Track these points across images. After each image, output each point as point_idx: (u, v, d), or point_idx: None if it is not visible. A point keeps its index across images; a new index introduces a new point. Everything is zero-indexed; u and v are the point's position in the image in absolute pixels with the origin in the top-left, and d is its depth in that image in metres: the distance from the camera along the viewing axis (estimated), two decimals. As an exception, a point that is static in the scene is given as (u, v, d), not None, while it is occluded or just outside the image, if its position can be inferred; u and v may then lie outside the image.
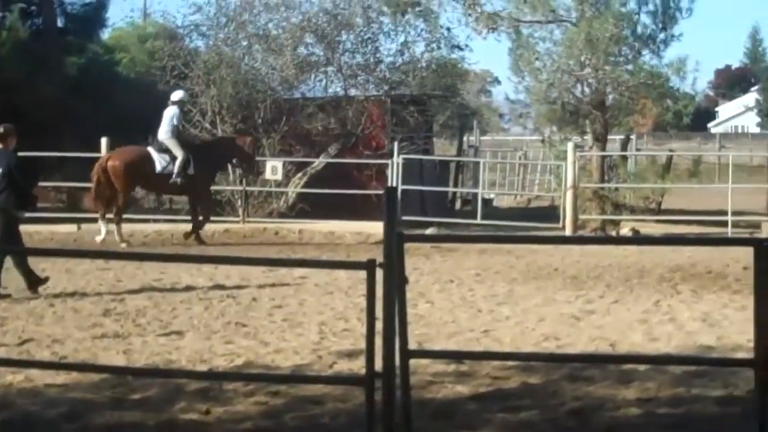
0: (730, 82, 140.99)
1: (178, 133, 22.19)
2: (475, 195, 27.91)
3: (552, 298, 14.86)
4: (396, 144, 25.73)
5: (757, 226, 24.45)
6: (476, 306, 14.22)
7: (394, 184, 24.50)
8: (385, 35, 28.75)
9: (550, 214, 26.07)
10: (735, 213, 24.57)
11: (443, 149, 37.47)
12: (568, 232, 24.07)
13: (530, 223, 24.98)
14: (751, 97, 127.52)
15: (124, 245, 21.07)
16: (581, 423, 8.60)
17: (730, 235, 23.14)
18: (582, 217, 24.72)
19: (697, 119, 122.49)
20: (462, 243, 19.92)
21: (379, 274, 6.77)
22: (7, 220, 14.81)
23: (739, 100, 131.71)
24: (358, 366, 7.18)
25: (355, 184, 25.56)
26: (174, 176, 21.77)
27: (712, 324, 12.74)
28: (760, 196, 27.77)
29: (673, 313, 13.55)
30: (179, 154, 21.79)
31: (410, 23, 28.38)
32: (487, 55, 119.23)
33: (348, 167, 26.19)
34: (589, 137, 26.58)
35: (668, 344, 11.62)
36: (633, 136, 32.26)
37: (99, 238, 21.49)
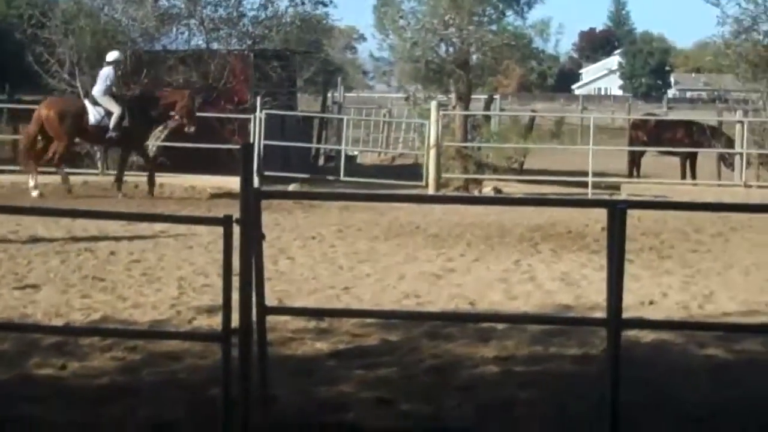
0: (594, 45, 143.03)
1: (111, 93, 22.26)
2: (339, 152, 27.84)
3: (413, 256, 14.90)
4: (259, 99, 25.47)
5: (616, 187, 24.85)
6: (337, 263, 14.19)
7: (257, 140, 24.30)
8: (247, -12, 28.38)
9: (414, 172, 26.09)
10: (596, 174, 24.90)
11: (308, 105, 37.19)
12: (431, 190, 24.16)
13: (394, 181, 25.00)
14: (614, 60, 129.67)
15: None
16: (440, 380, 8.64)
17: (590, 196, 23.44)
18: (445, 175, 24.85)
19: (561, 81, 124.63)
20: (322, 200, 19.84)
21: (237, 230, 6.68)
22: None
23: (602, 62, 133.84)
24: (218, 322, 7.10)
25: (217, 139, 25.21)
26: (111, 131, 21.91)
27: (571, 283, 12.90)
28: (620, 158, 28.17)
29: (532, 272, 13.68)
30: (115, 109, 21.90)
31: (274, -23, 28.10)
32: (352, 11, 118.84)
33: (209, 121, 25.81)
34: (452, 96, 26.67)
35: (527, 303, 11.74)
36: (497, 96, 32.51)
37: (35, 193, 21.44)
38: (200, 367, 8.59)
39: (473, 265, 14.24)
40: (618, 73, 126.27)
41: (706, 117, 34.06)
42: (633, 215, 18.17)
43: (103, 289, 11.90)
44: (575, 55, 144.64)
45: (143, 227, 16.06)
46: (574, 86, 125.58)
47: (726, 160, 26.61)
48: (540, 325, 10.31)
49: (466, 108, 26.72)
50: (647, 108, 64.76)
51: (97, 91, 22.30)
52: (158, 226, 16.10)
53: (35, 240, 15.25)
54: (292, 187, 22.84)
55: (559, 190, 24.60)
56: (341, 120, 32.26)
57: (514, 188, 24.62)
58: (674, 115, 41.64)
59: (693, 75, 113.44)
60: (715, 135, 27.16)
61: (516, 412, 7.82)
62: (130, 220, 15.47)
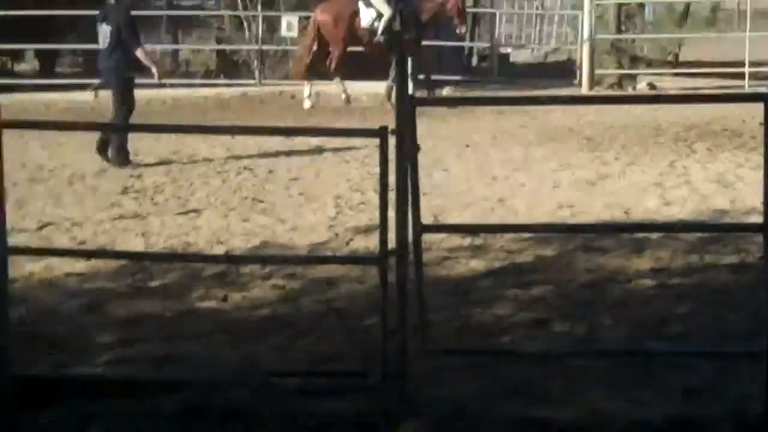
0: None
1: None
2: (492, 50, 27.62)
3: (567, 161, 14.86)
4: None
5: (775, 77, 24.17)
6: (492, 172, 14.22)
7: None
8: None
9: (568, 69, 25.83)
10: (753, 64, 24.19)
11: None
12: (584, 89, 23.84)
13: (547, 80, 24.78)
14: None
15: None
16: (594, 297, 8.69)
17: (747, 88, 22.89)
18: (598, 71, 24.44)
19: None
20: (474, 105, 19.76)
21: (393, 140, 6.40)
22: (123, 82, 14.90)
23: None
24: (375, 243, 7.10)
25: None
26: (379, 34, 21.17)
27: (727, 185, 12.78)
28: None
29: (687, 174, 13.57)
30: (386, 11, 21.12)
31: None
32: None
33: None
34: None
35: (682, 209, 11.67)
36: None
37: (307, 104, 21.42)
38: (359, 292, 8.73)
39: (628, 169, 14.18)
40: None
41: None
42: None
43: (263, 211, 12.12)
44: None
45: (300, 142, 16.23)
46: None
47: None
48: (697, 233, 10.26)
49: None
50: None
51: None
52: (314, 140, 16.27)
53: (195, 161, 15.56)
54: (445, 92, 22.82)
55: (715, 83, 23.98)
56: (493, 15, 31.83)
57: (668, 83, 24.16)
58: None
59: None
60: None
61: (672, 329, 7.82)
62: (283, 134, 15.34)
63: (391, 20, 21.01)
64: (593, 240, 10.21)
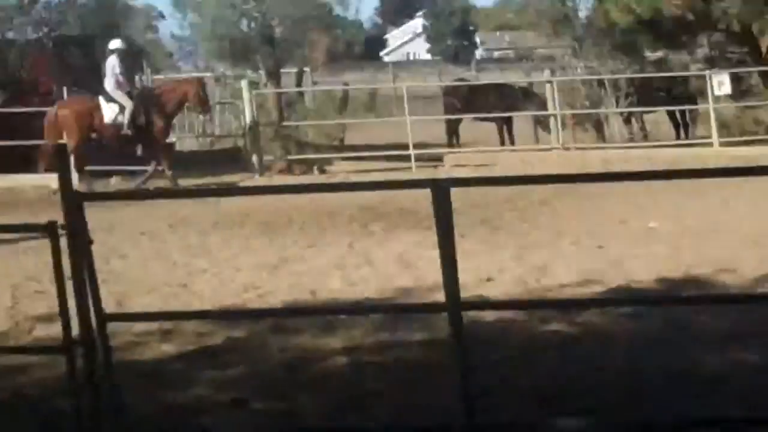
0: (396, 8, 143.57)
1: (120, 84, 21.83)
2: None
3: (246, 246, 14.79)
4: (65, 89, 24.58)
5: (439, 158, 24.95)
6: (171, 259, 14.00)
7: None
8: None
9: (235, 156, 25.80)
10: (417, 145, 24.96)
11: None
12: (255, 175, 23.86)
13: (217, 167, 24.62)
14: (418, 23, 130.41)
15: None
16: (290, 375, 8.64)
17: (414, 169, 23.54)
18: (267, 158, 24.55)
19: (369, 48, 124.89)
20: (145, 199, 19.33)
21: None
22: None
23: (406, 26, 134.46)
24: (58, 331, 6.95)
25: (28, 134, 24.20)
26: (125, 127, 21.57)
27: (408, 264, 12.96)
28: (438, 126, 28.26)
29: (368, 255, 13.71)
30: (127, 104, 21.51)
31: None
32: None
33: (17, 117, 24.56)
34: (262, 73, 26.41)
35: (367, 288, 11.76)
36: (307, 69, 32.27)
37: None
38: (49, 378, 8.37)
39: (308, 251, 14.22)
40: (424, 36, 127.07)
41: (516, 78, 34.50)
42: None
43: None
44: (379, 20, 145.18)
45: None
46: (382, 53, 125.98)
47: (542, 123, 26.95)
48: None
49: (278, 85, 26.51)
50: (457, 72, 65.50)
51: (108, 84, 21.87)
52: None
53: None
54: (113, 182, 22.35)
55: (384, 165, 24.56)
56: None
57: (338, 166, 24.54)
58: (484, 78, 42.19)
59: (497, 33, 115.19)
60: (528, 97, 27.43)
61: (369, 404, 7.84)
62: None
63: (134, 113, 21.52)
64: (284, 320, 10.13)
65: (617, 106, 26.12)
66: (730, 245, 13.13)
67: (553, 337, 9.40)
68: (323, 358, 9.12)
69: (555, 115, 25.48)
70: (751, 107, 26.12)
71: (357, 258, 13.55)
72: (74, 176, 19.96)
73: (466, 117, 27.87)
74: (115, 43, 22.34)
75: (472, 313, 9.70)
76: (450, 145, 26.94)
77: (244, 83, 24.91)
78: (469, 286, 11.19)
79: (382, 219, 16.65)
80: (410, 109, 26.14)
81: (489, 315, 9.95)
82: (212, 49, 26.99)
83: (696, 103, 26.51)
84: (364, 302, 11.07)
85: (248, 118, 24.46)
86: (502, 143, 26.85)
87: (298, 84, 29.13)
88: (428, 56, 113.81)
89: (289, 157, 24.91)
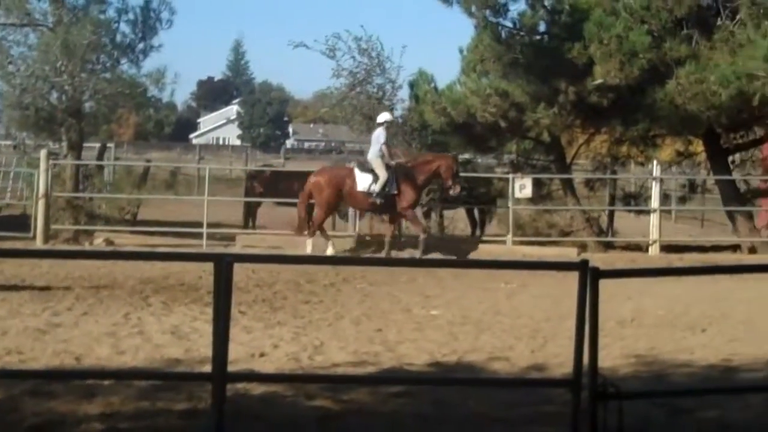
0: (213, 94, 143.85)
1: (383, 154, 22.72)
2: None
3: (17, 310, 14.26)
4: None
5: (232, 238, 24.79)
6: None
7: None
8: None
9: (22, 222, 25.10)
10: (212, 225, 24.85)
11: None
12: (39, 242, 23.33)
13: (1, 232, 23.92)
14: (232, 109, 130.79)
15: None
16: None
17: (205, 247, 23.27)
18: (54, 226, 24.01)
19: (179, 130, 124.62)
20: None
21: None
22: None
23: (220, 111, 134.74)
24: None
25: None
26: (374, 195, 22.59)
27: (181, 337, 12.70)
28: (238, 209, 28.11)
29: (142, 325, 13.39)
30: (382, 174, 22.47)
31: None
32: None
33: None
34: (64, 145, 25.92)
35: (135, 357, 11.45)
36: (111, 145, 31.79)
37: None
38: None
39: (81, 318, 13.78)
40: (237, 123, 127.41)
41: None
42: (248, 267, 18.30)
43: None
44: (194, 104, 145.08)
45: None
46: (192, 135, 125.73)
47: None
48: (148, 380, 10.06)
49: (78, 157, 26.02)
50: (265, 158, 65.65)
51: (371, 153, 22.84)
52: None
53: None
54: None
55: (173, 241, 24.20)
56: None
57: (126, 239, 24.07)
58: (292, 166, 42.15)
59: (311, 125, 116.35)
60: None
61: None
62: None
63: (386, 183, 22.53)
64: (42, 385, 9.75)
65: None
66: (506, 335, 13.22)
67: (315, 412, 9.22)
68: (77, 423, 8.75)
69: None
70: (549, 211, 26.77)
71: (130, 328, 13.19)
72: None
73: (266, 201, 27.83)
74: (384, 116, 23.35)
75: (240, 387, 9.57)
76: (245, 226, 26.80)
77: (43, 152, 24.36)
78: (242, 360, 11.08)
79: (162, 292, 16.31)
80: (213, 191, 26.04)
81: (258, 389, 9.79)
82: (16, 117, 26.22)
83: (496, 204, 27.11)
84: (126, 369, 10.71)
85: (42, 186, 23.89)
86: (300, 228, 26.80)
87: (100, 158, 28.59)
88: (238, 142, 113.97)
89: (77, 227, 24.36)
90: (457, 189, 23.46)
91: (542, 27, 24.87)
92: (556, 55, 23.83)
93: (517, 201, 25.28)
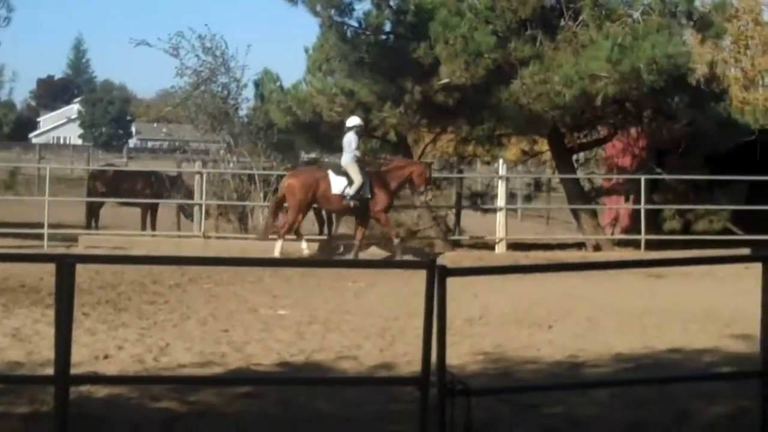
0: (53, 93, 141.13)
1: (356, 159, 22.73)
2: None
3: None
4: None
5: (74, 239, 24.34)
6: None
7: None
8: None
9: None
10: (52, 226, 24.36)
11: None
12: None
13: None
14: (73, 108, 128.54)
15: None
16: None
17: (46, 248, 22.80)
18: None
19: (18, 129, 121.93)
20: None
21: None
22: None
23: (61, 110, 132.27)
24: None
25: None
26: (348, 198, 22.59)
27: (22, 339, 12.39)
28: (80, 209, 27.57)
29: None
30: (357, 178, 22.48)
31: None
32: None
33: None
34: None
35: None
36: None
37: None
38: None
39: None
40: (78, 122, 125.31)
41: (167, 167, 34.27)
42: (91, 268, 17.93)
43: None
44: (33, 103, 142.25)
45: None
46: (32, 134, 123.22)
47: (185, 211, 26.81)
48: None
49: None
50: (108, 158, 64.81)
51: (345, 159, 22.72)
52: None
53: None
54: None
55: (13, 242, 23.61)
56: None
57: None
58: (135, 165, 41.68)
59: (155, 125, 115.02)
60: (175, 185, 27.26)
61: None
62: None
63: (361, 187, 22.53)
64: None
65: (265, 200, 26.21)
66: (354, 334, 13.20)
67: (161, 414, 9.07)
68: None
69: (200, 205, 25.38)
70: (396, 209, 26.81)
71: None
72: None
73: (110, 201, 27.43)
74: (354, 120, 22.95)
75: (84, 390, 9.36)
76: (88, 227, 26.31)
77: None
78: (85, 362, 10.86)
79: (2, 294, 15.88)
80: (54, 191, 25.52)
81: (102, 392, 9.60)
82: None
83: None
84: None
85: None
86: (144, 228, 26.48)
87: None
88: (80, 141, 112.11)
89: None
90: (429, 195, 23.87)
91: (388, 27, 24.92)
92: (401, 54, 23.94)
93: (365, 200, 25.33)
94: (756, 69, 46.63)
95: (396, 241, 23.04)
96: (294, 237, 22.72)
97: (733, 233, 26.25)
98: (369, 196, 22.85)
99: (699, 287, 17.93)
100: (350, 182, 22.68)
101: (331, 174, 22.89)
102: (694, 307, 15.57)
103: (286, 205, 22.91)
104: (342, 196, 22.74)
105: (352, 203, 22.80)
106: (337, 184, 22.72)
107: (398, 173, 23.31)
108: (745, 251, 24.68)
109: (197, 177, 25.88)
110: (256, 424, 8.97)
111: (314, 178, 22.96)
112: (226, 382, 10.35)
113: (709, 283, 18.26)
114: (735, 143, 25.63)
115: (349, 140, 22.78)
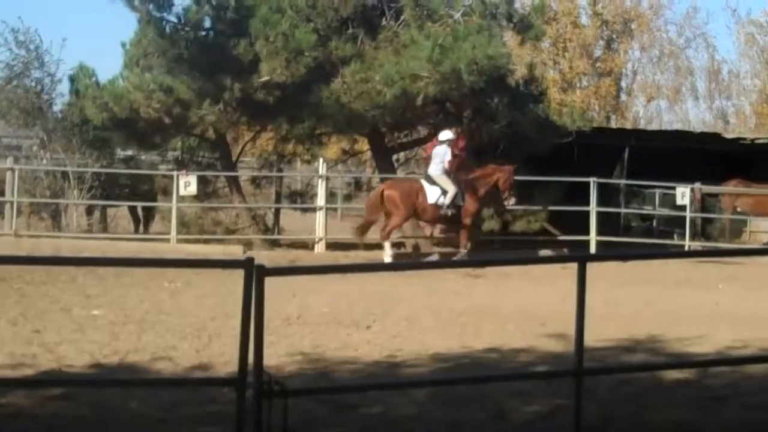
0: None
1: (446, 171, 23.01)
2: None
3: None
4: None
5: None
6: None
7: None
8: None
9: None
10: None
11: None
12: None
13: None
14: None
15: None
16: None
17: None
18: None
19: None
20: None
21: None
22: None
23: None
24: None
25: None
26: (445, 207, 22.96)
27: None
28: None
29: None
30: (450, 188, 22.89)
31: None
32: None
33: None
34: None
35: None
36: None
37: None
38: None
39: None
40: None
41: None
42: None
43: None
44: None
45: None
46: None
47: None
48: None
49: None
50: None
51: (434, 170, 23.03)
52: None
53: None
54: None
55: None
56: None
57: None
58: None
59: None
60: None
61: None
62: None
63: (455, 196, 22.97)
64: None
65: (79, 198, 25.62)
66: (169, 334, 12.96)
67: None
68: None
69: (12, 202, 24.67)
70: (214, 208, 26.54)
71: None
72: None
73: None
74: (446, 135, 23.17)
75: None
76: None
77: None
78: None
79: None
80: None
81: None
82: None
83: (158, 201, 26.77)
84: None
85: None
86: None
87: None
88: None
89: None
90: (512, 201, 24.13)
91: (208, 23, 24.63)
92: (221, 51, 23.67)
93: (182, 198, 24.97)
94: (574, 71, 47.91)
95: (462, 252, 23.24)
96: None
97: (550, 234, 26.72)
98: (462, 203, 23.31)
99: (516, 287, 18.17)
100: (444, 192, 23.05)
101: (425, 184, 23.25)
102: (512, 307, 15.77)
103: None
104: (437, 206, 23.13)
105: (449, 212, 23.22)
106: (432, 194, 23.11)
107: (486, 180, 23.75)
108: (562, 252, 25.24)
109: (8, 173, 25.14)
110: (68, 426, 8.71)
111: (413, 188, 23.37)
112: (37, 383, 10.04)
113: (527, 282, 18.51)
114: (553, 144, 26.09)
115: (443, 152, 23.15)
